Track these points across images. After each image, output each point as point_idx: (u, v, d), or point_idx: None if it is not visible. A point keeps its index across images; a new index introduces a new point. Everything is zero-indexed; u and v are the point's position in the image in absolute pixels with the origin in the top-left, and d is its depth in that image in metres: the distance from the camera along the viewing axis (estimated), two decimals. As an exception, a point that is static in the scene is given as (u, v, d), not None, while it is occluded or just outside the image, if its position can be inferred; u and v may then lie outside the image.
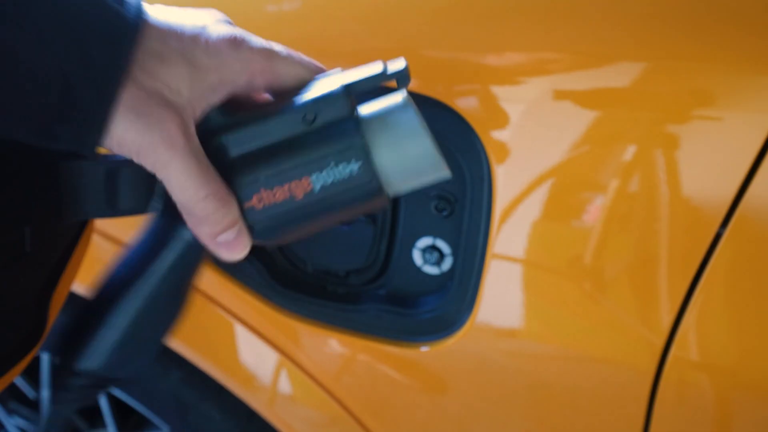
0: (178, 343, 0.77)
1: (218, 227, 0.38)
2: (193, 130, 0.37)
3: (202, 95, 0.38)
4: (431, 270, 0.63)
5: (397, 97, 0.41)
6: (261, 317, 0.70)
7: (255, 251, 0.68)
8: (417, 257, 0.63)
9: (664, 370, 0.52)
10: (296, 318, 0.68)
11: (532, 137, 0.52)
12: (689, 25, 0.47)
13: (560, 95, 0.51)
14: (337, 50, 0.58)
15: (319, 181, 0.38)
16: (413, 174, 0.41)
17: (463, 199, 0.59)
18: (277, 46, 0.41)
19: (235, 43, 0.38)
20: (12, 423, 1.12)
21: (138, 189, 0.63)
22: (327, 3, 0.58)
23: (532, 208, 0.53)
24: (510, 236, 0.55)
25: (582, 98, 0.50)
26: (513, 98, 0.52)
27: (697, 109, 0.47)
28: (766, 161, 0.45)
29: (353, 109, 0.40)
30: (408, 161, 0.40)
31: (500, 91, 0.52)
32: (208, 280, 0.69)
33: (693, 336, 0.50)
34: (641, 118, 0.49)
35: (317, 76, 0.42)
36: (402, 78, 0.41)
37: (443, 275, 0.63)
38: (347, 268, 0.67)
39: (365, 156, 0.39)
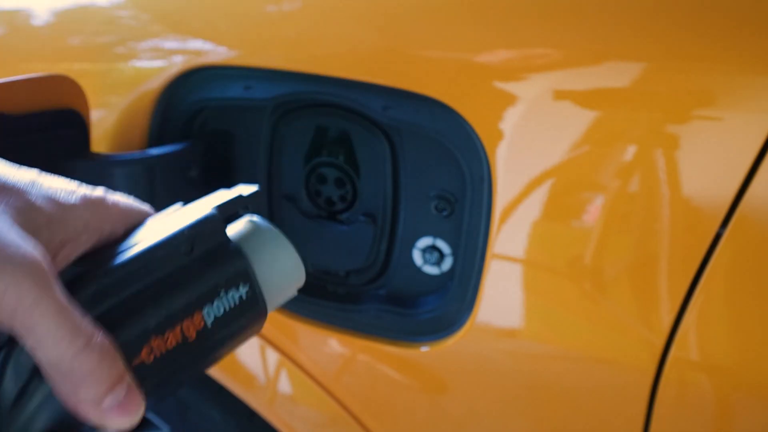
0: (178, 343, 0.77)
1: (105, 385, 0.30)
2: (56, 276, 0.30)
3: (60, 243, 0.32)
4: (431, 270, 0.63)
5: (253, 218, 0.40)
6: (261, 317, 0.70)
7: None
8: (417, 257, 0.63)
9: (664, 370, 0.51)
10: (296, 318, 0.68)
11: (532, 137, 0.52)
12: (689, 24, 0.47)
13: (560, 95, 0.51)
14: (337, 50, 0.58)
15: (210, 314, 0.34)
16: (286, 289, 0.40)
17: (463, 199, 0.59)
18: (106, 194, 0.36)
19: (83, 194, 0.34)
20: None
21: (136, 188, 0.64)
22: (326, 3, 0.58)
23: (532, 208, 0.53)
24: (510, 236, 0.55)
25: (582, 98, 0.50)
26: (513, 98, 0.52)
27: (697, 109, 0.47)
28: (766, 161, 0.45)
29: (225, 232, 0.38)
30: (282, 278, 0.39)
31: (500, 91, 0.52)
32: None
33: (693, 336, 0.50)
34: (641, 118, 0.49)
35: (152, 216, 0.38)
36: (258, 199, 0.41)
37: (443, 275, 0.63)
38: (347, 268, 0.67)
39: (252, 279, 0.37)
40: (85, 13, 0.73)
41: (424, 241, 0.62)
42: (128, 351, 0.31)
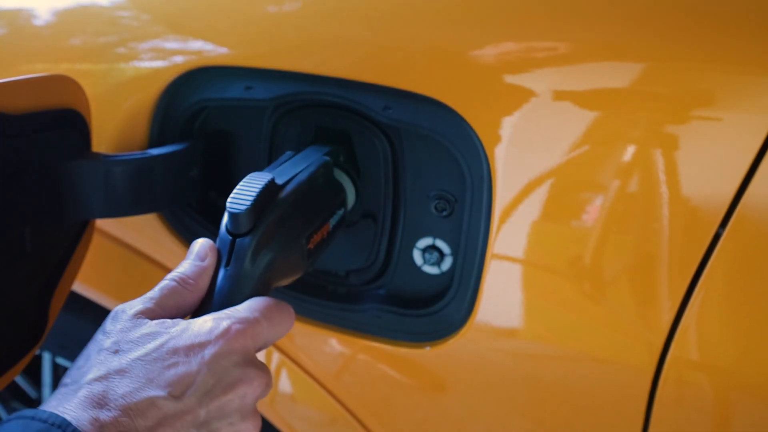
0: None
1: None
2: None
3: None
4: (431, 270, 0.63)
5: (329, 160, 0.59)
6: (261, 317, 0.70)
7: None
8: (417, 257, 0.63)
9: (663, 370, 0.52)
10: (296, 318, 0.68)
11: (531, 137, 0.52)
12: (689, 25, 0.48)
13: (560, 95, 0.51)
14: (337, 50, 0.58)
15: (332, 223, 0.57)
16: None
17: (463, 199, 0.59)
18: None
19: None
20: (13, 422, 1.12)
21: (136, 188, 0.64)
22: (326, 3, 0.58)
23: (532, 208, 0.53)
24: (510, 236, 0.55)
25: (582, 98, 0.50)
26: (512, 98, 0.52)
27: (697, 109, 0.48)
28: (765, 161, 0.45)
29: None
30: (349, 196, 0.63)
31: (500, 91, 0.52)
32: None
33: (692, 335, 0.50)
34: (641, 118, 0.49)
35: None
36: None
37: (443, 275, 0.63)
38: (347, 268, 0.67)
39: (346, 204, 0.60)
40: (86, 14, 0.73)
41: (424, 241, 0.63)
42: (306, 240, 0.52)
